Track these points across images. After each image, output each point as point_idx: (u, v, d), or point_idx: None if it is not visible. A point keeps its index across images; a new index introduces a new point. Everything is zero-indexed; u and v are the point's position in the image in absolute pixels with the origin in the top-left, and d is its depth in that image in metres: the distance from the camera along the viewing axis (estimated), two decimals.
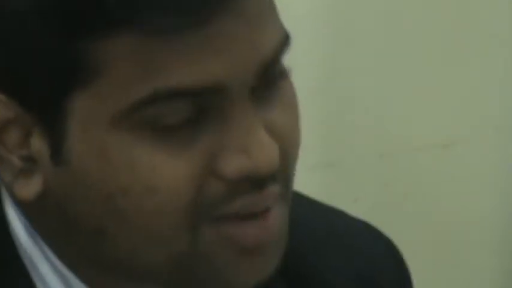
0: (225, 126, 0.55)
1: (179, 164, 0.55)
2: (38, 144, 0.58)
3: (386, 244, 0.78)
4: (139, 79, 0.54)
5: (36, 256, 0.63)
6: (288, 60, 0.62)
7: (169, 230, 0.56)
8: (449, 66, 1.88)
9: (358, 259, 0.74)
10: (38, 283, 0.62)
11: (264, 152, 0.55)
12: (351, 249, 0.75)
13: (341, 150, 1.87)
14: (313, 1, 1.81)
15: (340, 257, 0.73)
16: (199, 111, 0.55)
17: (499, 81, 1.93)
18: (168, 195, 0.55)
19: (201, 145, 0.55)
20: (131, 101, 0.54)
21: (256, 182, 0.56)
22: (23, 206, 0.61)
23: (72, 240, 0.61)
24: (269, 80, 0.57)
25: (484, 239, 1.91)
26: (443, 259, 1.89)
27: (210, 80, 0.54)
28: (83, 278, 0.62)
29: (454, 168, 1.91)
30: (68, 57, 0.55)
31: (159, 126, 0.55)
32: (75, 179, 0.57)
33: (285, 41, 0.57)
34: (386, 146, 1.89)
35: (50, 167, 0.58)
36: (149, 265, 0.59)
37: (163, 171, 0.55)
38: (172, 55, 0.54)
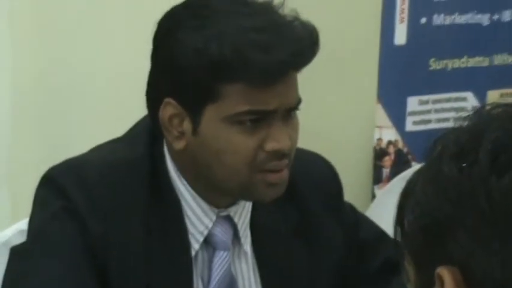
0: (270, 128, 1.19)
1: (249, 142, 1.19)
2: (187, 126, 1.20)
3: (327, 169, 1.47)
4: (240, 104, 1.18)
5: (180, 185, 1.28)
6: None
7: (240, 171, 1.21)
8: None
9: (317, 177, 1.42)
10: (178, 193, 1.29)
11: (285, 142, 1.20)
12: (313, 172, 1.42)
13: None
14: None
15: (309, 177, 1.40)
16: (260, 119, 1.19)
17: None
18: (241, 155, 1.20)
19: (258, 135, 1.19)
20: (234, 112, 1.18)
21: (279, 155, 1.20)
22: (175, 156, 1.26)
23: (195, 172, 1.25)
24: (291, 114, 1.23)
25: None
26: None
27: (270, 108, 1.18)
28: (197, 191, 1.27)
29: None
30: (209, 87, 1.18)
31: (243, 124, 1.19)
32: (201, 143, 1.21)
33: (299, 100, 1.23)
34: None
35: (190, 136, 1.21)
36: (230, 185, 1.23)
37: (241, 145, 1.19)
38: (258, 95, 1.18)
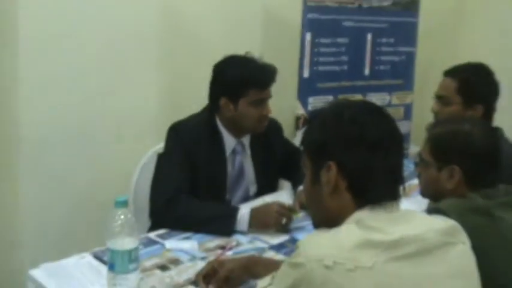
0: (264, 105, 2.51)
1: (257, 111, 2.48)
2: (231, 107, 2.44)
3: (277, 122, 2.80)
4: (255, 96, 2.45)
5: (223, 130, 2.56)
6: None
7: (254, 123, 2.51)
8: None
9: (274, 126, 2.78)
10: (221, 133, 2.57)
11: (270, 111, 2.54)
12: (273, 124, 2.74)
13: None
14: None
15: (271, 126, 2.70)
16: (261, 102, 2.48)
17: None
18: (255, 117, 2.48)
19: (260, 108, 2.49)
20: (252, 100, 2.49)
21: (267, 115, 2.53)
22: (223, 118, 2.55)
23: (231, 124, 2.51)
24: (268, 97, 2.56)
25: None
26: None
27: (266, 97, 2.50)
28: (230, 132, 2.58)
29: None
30: (242, 91, 2.47)
31: (256, 105, 2.46)
32: (238, 113, 2.49)
33: (271, 95, 2.58)
34: None
35: (233, 111, 2.44)
36: (247, 127, 2.53)
37: (255, 113, 2.48)
38: (262, 92, 2.46)
